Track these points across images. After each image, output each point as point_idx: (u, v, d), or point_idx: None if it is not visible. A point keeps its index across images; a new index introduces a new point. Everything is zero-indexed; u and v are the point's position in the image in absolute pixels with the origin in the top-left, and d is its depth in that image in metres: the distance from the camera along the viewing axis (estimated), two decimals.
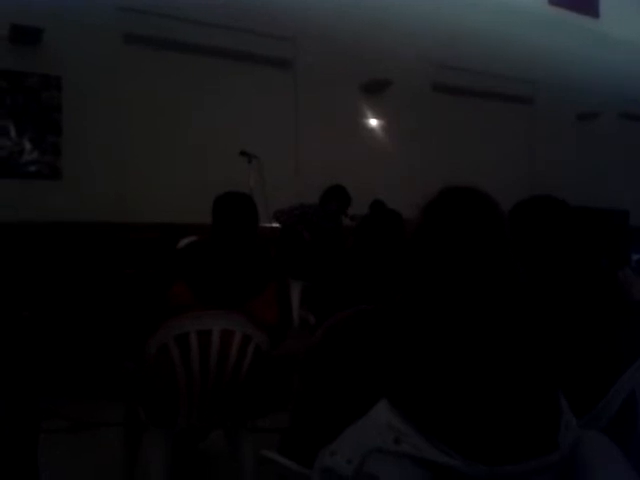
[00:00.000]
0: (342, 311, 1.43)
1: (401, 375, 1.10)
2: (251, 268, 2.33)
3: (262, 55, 5.84)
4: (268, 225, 4.57)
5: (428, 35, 6.62)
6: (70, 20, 4.91)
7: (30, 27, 4.70)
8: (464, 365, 1.08)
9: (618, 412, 1.48)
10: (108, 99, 5.06)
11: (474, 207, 1.18)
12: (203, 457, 2.78)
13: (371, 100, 6.65)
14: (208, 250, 2.34)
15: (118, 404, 2.42)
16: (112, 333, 3.59)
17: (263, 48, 5.80)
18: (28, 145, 4.88)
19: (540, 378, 1.14)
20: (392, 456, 1.02)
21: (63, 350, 3.65)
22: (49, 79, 4.96)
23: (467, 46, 6.76)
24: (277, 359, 2.23)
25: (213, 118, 5.54)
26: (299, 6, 5.97)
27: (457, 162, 6.37)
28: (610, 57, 7.81)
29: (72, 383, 3.43)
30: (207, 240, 2.38)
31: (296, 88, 6.02)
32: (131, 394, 2.30)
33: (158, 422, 2.14)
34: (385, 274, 2.03)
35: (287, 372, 2.12)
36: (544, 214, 1.87)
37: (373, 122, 6.72)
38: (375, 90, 6.58)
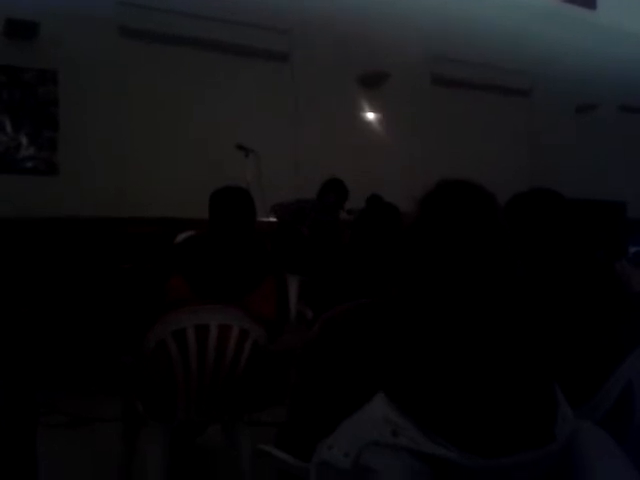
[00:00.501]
0: (339, 305, 1.43)
1: (398, 368, 1.10)
2: (248, 262, 2.33)
3: (259, 48, 5.82)
4: (265, 219, 4.56)
5: (426, 28, 6.59)
6: (66, 14, 4.88)
7: (26, 21, 4.68)
8: (461, 358, 1.08)
9: (615, 404, 1.48)
10: (105, 93, 5.04)
11: (471, 200, 1.18)
12: (201, 451, 2.79)
13: (369, 93, 6.63)
14: (205, 244, 2.33)
15: (116, 399, 2.42)
16: (110, 328, 3.59)
17: (260, 41, 5.78)
18: (25, 140, 4.87)
19: (536, 370, 1.14)
20: (389, 449, 1.02)
21: (61, 345, 3.65)
22: (46, 74, 4.94)
23: (465, 38, 6.74)
24: (274, 353, 2.23)
25: (210, 111, 5.52)
26: None
27: (456, 155, 6.36)
28: (608, 49, 7.79)
29: (70, 378, 3.43)
30: (204, 234, 2.38)
31: (294, 81, 6.00)
32: (129, 389, 2.30)
33: (156, 416, 2.14)
34: (382, 268, 2.02)
35: (284, 366, 2.12)
36: (541, 207, 1.87)
37: (371, 115, 6.71)
38: (373, 83, 6.55)
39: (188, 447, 2.67)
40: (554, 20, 7.47)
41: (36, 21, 4.70)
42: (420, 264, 1.19)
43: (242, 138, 4.98)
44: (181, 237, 2.71)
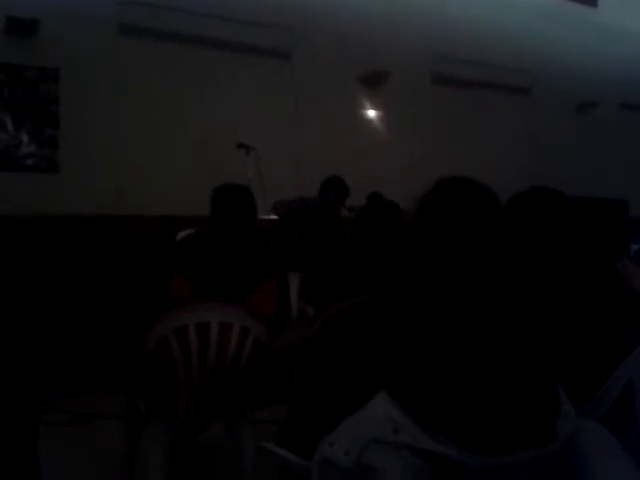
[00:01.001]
0: (340, 302, 1.43)
1: (399, 366, 1.09)
2: (249, 261, 2.32)
3: (260, 46, 5.82)
4: (266, 217, 4.56)
5: (427, 27, 6.58)
6: (66, 12, 4.88)
7: (26, 19, 4.68)
8: (462, 356, 1.08)
9: (616, 402, 1.48)
10: (105, 91, 5.04)
11: (471, 198, 1.18)
12: (203, 449, 2.79)
13: (370, 92, 6.64)
14: (206, 243, 2.33)
15: (117, 397, 2.43)
16: (111, 326, 3.60)
17: (261, 40, 5.78)
18: (25, 138, 4.87)
19: (538, 368, 1.14)
20: (390, 447, 1.02)
21: (63, 343, 3.65)
22: (47, 71, 4.94)
23: (466, 37, 6.73)
24: (275, 351, 2.23)
25: (211, 109, 5.52)
26: None
27: (456, 153, 6.36)
28: (608, 47, 7.78)
29: (71, 376, 3.43)
30: (205, 233, 2.37)
31: (294, 80, 5.99)
32: (131, 387, 2.30)
33: (158, 414, 2.14)
34: (383, 265, 2.02)
35: (285, 364, 2.12)
36: (542, 205, 1.87)
37: (372, 114, 6.70)
38: (374, 82, 6.55)
39: (190, 445, 2.67)
40: (555, 18, 7.46)
41: (36, 19, 4.70)
42: (421, 262, 1.19)
43: (242, 137, 4.98)
44: (181, 235, 2.71)
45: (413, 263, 1.20)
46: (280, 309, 2.37)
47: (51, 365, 3.31)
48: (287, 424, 1.39)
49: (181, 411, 2.13)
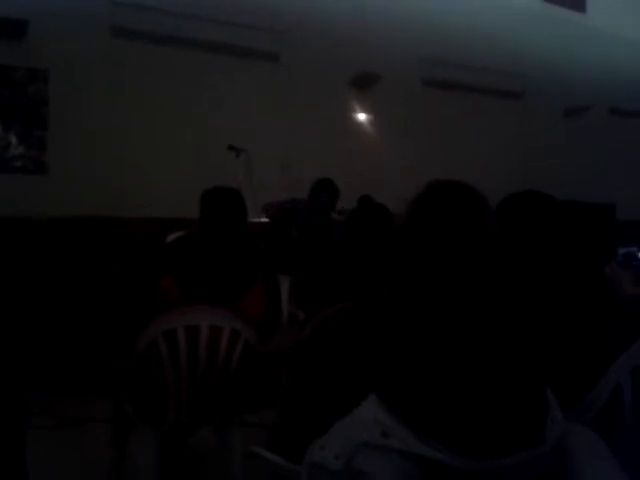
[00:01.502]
0: (331, 306, 1.42)
1: (389, 370, 1.09)
2: (239, 264, 2.32)
3: (251, 49, 5.81)
4: (257, 220, 4.55)
5: (418, 30, 6.60)
6: (56, 13, 4.85)
7: (15, 19, 4.65)
8: (451, 360, 1.08)
9: (605, 406, 1.49)
10: (96, 93, 5.02)
11: (461, 201, 1.18)
12: (192, 453, 2.77)
13: (361, 95, 6.64)
14: (195, 245, 2.32)
15: (105, 400, 2.41)
16: (100, 329, 3.57)
17: (252, 42, 5.77)
18: (14, 139, 4.83)
19: (527, 372, 1.14)
20: (380, 451, 1.02)
21: (51, 346, 3.62)
22: (36, 72, 4.91)
23: (457, 41, 6.76)
24: (266, 355, 2.22)
25: (201, 112, 5.50)
26: (289, 0, 5.94)
27: (448, 157, 6.37)
28: (598, 52, 7.85)
29: (59, 379, 3.41)
30: (195, 235, 2.36)
31: (286, 83, 5.99)
32: (119, 390, 2.28)
33: (147, 419, 2.12)
34: (373, 269, 2.02)
35: (275, 368, 2.11)
36: (531, 209, 1.87)
37: (363, 117, 6.71)
38: (365, 85, 6.56)
39: (179, 449, 2.65)
40: (545, 23, 7.51)
41: (25, 19, 4.67)
42: (410, 265, 1.19)
43: (234, 139, 4.98)
44: (171, 237, 2.70)
45: (402, 266, 1.20)
46: (270, 311, 2.37)
47: (39, 368, 3.28)
48: (277, 428, 1.39)
49: (170, 415, 2.12)
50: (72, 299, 3.86)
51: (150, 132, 5.25)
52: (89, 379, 3.23)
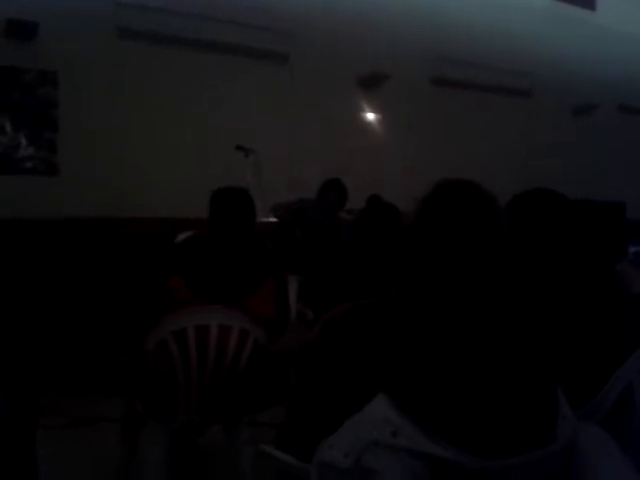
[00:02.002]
0: (339, 305, 1.43)
1: (398, 369, 1.09)
2: (248, 263, 2.32)
3: (259, 49, 5.81)
4: (265, 220, 4.56)
5: (426, 28, 6.59)
6: (65, 15, 4.88)
7: (25, 22, 4.67)
8: (461, 358, 1.08)
9: (615, 405, 1.48)
10: (104, 94, 5.04)
11: (471, 200, 1.18)
12: (201, 451, 2.78)
13: (369, 94, 6.64)
14: (205, 245, 2.33)
15: (116, 400, 2.42)
16: (110, 329, 3.59)
17: (260, 42, 5.77)
18: (24, 141, 4.86)
19: (537, 370, 1.14)
20: (389, 449, 1.02)
21: (61, 346, 3.64)
22: (46, 74, 4.94)
23: (464, 39, 6.74)
24: (275, 354, 2.23)
25: (210, 113, 5.52)
26: (296, 0, 5.95)
27: (455, 155, 6.35)
28: (607, 49, 7.80)
29: (69, 379, 3.43)
30: (204, 235, 2.37)
31: (293, 82, 5.99)
32: (129, 390, 2.30)
33: (157, 417, 2.13)
34: (382, 268, 2.02)
35: (285, 367, 2.12)
36: (543, 208, 1.86)
37: (371, 116, 6.71)
38: (373, 84, 6.56)
39: (189, 448, 2.66)
40: (553, 20, 7.47)
41: (35, 22, 4.70)
42: (420, 264, 1.19)
43: (241, 139, 4.99)
44: (180, 237, 2.71)
45: (412, 266, 1.20)
46: (280, 310, 2.37)
47: (49, 368, 3.31)
48: (286, 427, 1.39)
49: (180, 414, 2.13)
50: (82, 299, 3.89)
51: (162, 133, 5.27)
52: (99, 379, 3.24)
